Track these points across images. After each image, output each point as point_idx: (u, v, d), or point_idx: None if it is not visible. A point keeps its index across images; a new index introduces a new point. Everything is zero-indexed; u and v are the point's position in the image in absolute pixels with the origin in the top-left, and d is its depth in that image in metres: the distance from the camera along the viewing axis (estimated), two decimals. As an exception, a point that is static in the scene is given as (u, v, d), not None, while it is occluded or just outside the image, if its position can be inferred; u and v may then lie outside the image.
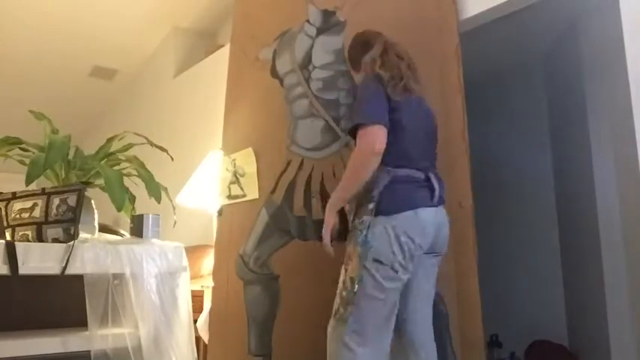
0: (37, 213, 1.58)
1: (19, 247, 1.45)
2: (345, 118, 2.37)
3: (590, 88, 3.10)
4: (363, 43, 1.91)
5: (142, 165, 1.77)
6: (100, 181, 1.72)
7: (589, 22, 3.06)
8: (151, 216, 1.79)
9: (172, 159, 2.02)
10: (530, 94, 3.89)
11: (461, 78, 2.47)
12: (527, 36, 3.41)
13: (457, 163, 2.42)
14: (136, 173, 1.79)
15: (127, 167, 1.86)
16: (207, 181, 2.75)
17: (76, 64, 4.59)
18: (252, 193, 2.59)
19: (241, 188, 2.65)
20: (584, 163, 3.11)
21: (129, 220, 1.86)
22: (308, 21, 2.61)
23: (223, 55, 3.68)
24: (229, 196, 2.68)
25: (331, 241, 1.71)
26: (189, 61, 4.26)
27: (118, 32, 4.32)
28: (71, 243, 1.52)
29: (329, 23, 2.58)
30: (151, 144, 1.86)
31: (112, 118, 5.10)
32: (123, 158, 1.81)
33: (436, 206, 1.69)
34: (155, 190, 1.77)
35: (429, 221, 1.64)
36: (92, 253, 1.55)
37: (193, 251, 2.78)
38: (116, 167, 1.77)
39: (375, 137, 1.59)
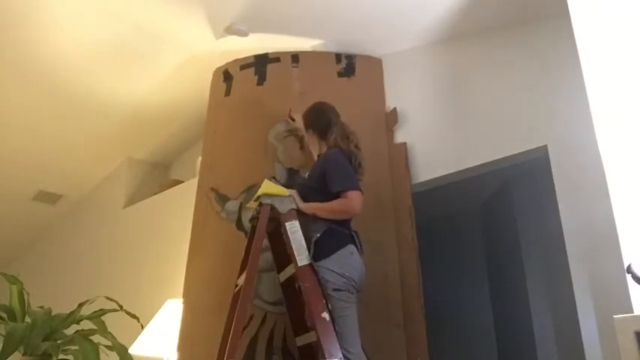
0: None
1: None
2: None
3: (524, 239, 3.45)
4: (324, 116, 2.37)
5: (113, 336, 1.76)
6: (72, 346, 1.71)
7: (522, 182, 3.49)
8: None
9: (141, 325, 2.01)
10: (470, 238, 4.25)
11: (415, 238, 2.70)
12: (466, 189, 3.78)
13: (413, 319, 2.56)
14: (107, 342, 1.77)
15: (95, 332, 1.83)
16: (164, 330, 2.68)
17: (20, 187, 4.49)
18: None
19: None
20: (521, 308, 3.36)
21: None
22: (274, 177, 2.77)
23: (180, 190, 3.76)
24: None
25: None
26: (141, 192, 4.29)
27: (68, 159, 4.33)
28: None
29: (293, 180, 2.76)
30: (126, 312, 1.86)
31: (51, 243, 4.92)
32: (95, 327, 1.79)
33: None
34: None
35: None
36: None
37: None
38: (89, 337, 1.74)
39: (360, 202, 2.10)
